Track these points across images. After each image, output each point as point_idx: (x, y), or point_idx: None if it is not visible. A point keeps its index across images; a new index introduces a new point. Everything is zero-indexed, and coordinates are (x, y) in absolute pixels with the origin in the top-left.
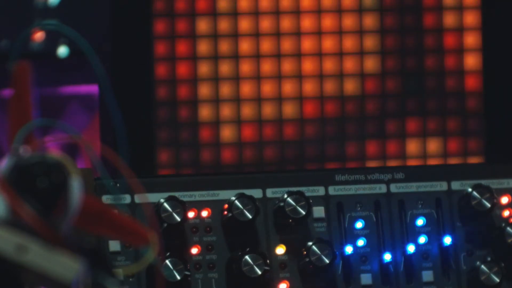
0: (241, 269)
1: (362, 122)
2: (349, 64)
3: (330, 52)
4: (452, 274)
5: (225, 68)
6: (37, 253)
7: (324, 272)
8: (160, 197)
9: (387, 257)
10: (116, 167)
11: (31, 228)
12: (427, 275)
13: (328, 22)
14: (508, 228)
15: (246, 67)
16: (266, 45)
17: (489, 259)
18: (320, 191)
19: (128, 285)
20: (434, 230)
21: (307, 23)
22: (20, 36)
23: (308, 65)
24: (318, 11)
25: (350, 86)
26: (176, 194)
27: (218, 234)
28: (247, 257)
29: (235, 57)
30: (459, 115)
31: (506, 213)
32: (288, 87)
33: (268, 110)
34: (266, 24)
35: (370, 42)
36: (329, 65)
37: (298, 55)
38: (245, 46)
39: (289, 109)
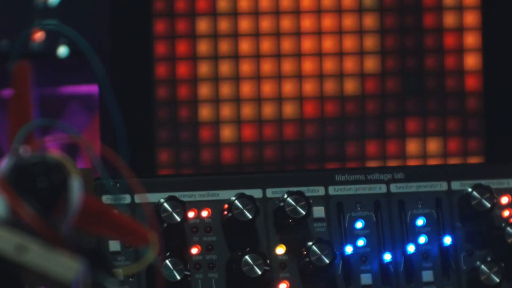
0: (241, 269)
1: (362, 122)
2: (349, 64)
3: (330, 52)
4: (452, 274)
5: (225, 68)
6: (37, 253)
7: (324, 272)
8: (160, 197)
9: (387, 257)
10: (116, 167)
11: (31, 228)
12: (427, 275)
13: (328, 22)
14: (508, 228)
15: (246, 67)
16: (266, 45)
17: (489, 259)
18: (320, 191)
19: (128, 285)
20: (434, 230)
21: (307, 23)
22: (20, 36)
23: (308, 65)
24: (318, 11)
25: (350, 86)
26: (176, 194)
27: (218, 234)
28: (247, 257)
29: (235, 57)
30: (459, 115)
31: (506, 213)
32: (288, 87)
33: (268, 110)
34: (266, 24)
35: (370, 42)
36: (329, 65)
37: (298, 55)
38: (245, 46)
39: (289, 109)
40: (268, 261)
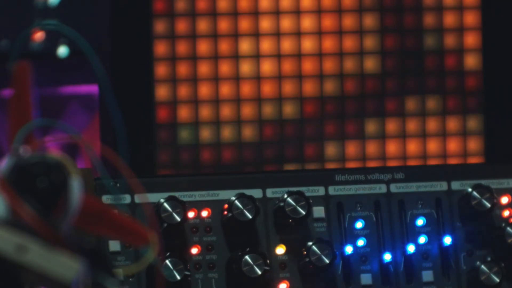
0: (241, 269)
1: (362, 122)
2: (349, 64)
3: (330, 52)
4: (452, 274)
5: (225, 68)
6: (37, 253)
7: (324, 272)
8: (160, 197)
9: (387, 257)
10: (116, 167)
11: (31, 228)
12: (427, 275)
13: (328, 22)
14: (508, 228)
15: (246, 67)
16: (266, 45)
17: (489, 259)
18: (320, 191)
19: (128, 285)
20: (434, 230)
21: (307, 23)
22: (20, 36)
23: (308, 65)
24: (318, 11)
25: (350, 86)
26: (176, 194)
27: (218, 234)
28: (247, 257)
29: (235, 57)
30: (459, 115)
31: (506, 213)
32: (288, 87)
33: (268, 110)
34: (266, 24)
35: (370, 42)
36: (329, 65)
37: (298, 55)
38: (245, 46)
39: (289, 109)
40: (268, 261)
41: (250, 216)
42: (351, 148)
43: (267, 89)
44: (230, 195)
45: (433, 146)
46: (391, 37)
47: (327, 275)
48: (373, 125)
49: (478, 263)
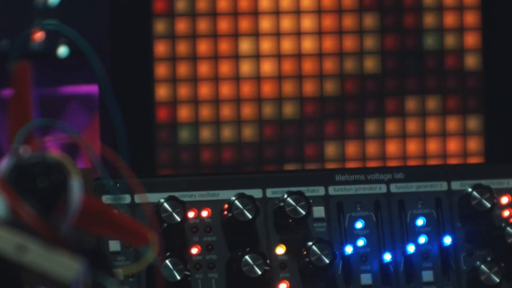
0: (241, 269)
1: (362, 122)
2: (349, 64)
3: (330, 52)
4: (452, 274)
5: (225, 68)
6: (37, 253)
7: (324, 272)
8: (160, 197)
9: (387, 257)
10: (116, 167)
11: (31, 228)
12: (427, 275)
13: (328, 22)
14: (508, 228)
15: (246, 67)
16: (266, 45)
17: (489, 259)
18: (320, 191)
19: (128, 285)
20: (434, 230)
21: (307, 23)
22: (20, 36)
23: (308, 65)
24: (318, 11)
25: (350, 86)
26: (176, 194)
27: (218, 234)
28: (247, 257)
29: (235, 57)
30: (459, 115)
31: (506, 213)
32: (288, 87)
33: (268, 110)
34: (266, 24)
35: (370, 42)
36: (329, 65)
37: (298, 55)
38: (245, 46)
39: (289, 109)
40: (268, 261)
41: (250, 216)
42: (351, 148)
43: (267, 89)
44: (230, 195)
45: (433, 146)
46: (391, 37)
47: (327, 275)
48: (373, 125)
49: (478, 263)
